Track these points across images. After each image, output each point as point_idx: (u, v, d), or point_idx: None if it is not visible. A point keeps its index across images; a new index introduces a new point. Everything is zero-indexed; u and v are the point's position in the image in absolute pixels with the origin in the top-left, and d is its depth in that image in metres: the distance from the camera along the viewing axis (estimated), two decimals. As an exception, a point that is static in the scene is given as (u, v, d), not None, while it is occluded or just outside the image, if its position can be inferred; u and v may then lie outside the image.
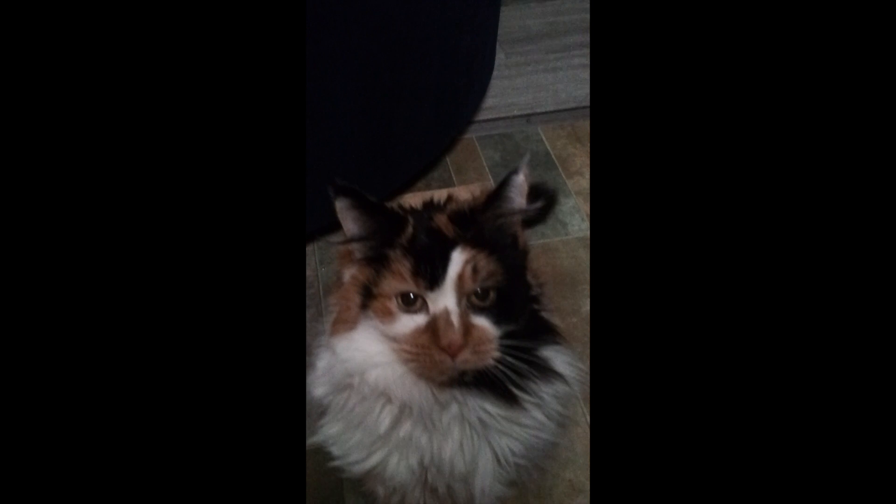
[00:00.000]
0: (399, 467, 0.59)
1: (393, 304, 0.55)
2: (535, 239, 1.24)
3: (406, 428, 0.57)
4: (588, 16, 1.73)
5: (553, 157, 1.41)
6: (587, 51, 1.66)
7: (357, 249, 0.60)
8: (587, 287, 1.15)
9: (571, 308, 1.12)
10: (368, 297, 0.57)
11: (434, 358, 0.52)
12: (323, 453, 0.64)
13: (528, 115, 1.50)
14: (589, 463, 0.91)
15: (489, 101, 1.52)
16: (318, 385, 0.60)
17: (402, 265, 0.55)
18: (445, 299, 0.54)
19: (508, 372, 0.54)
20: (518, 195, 0.58)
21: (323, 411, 0.62)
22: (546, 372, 0.58)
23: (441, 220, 0.59)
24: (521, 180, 0.57)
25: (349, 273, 0.61)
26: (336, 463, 0.62)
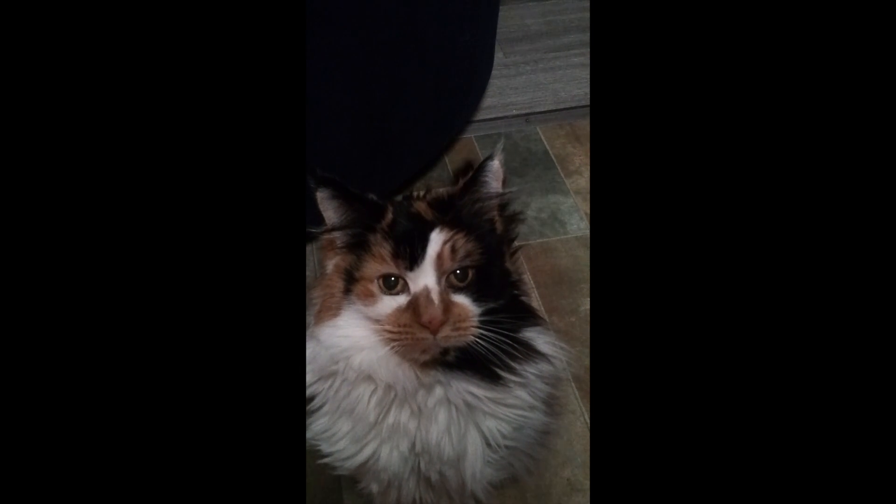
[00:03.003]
0: (391, 457, 0.60)
1: (375, 287, 0.57)
2: (533, 238, 1.24)
3: (394, 414, 0.58)
4: (587, 15, 1.73)
5: (552, 156, 1.41)
6: (586, 50, 1.66)
7: (339, 238, 0.61)
8: (586, 286, 1.15)
9: (570, 307, 1.12)
10: (351, 281, 0.59)
11: (416, 335, 0.54)
12: (315, 452, 0.64)
13: (527, 115, 1.50)
14: (588, 461, 0.90)
15: (488, 101, 1.53)
16: None
17: (383, 248, 0.56)
18: (425, 278, 0.55)
19: (490, 349, 0.55)
20: (494, 180, 0.60)
21: (310, 408, 0.63)
22: (529, 352, 0.59)
23: (420, 206, 0.61)
24: (496, 166, 0.59)
25: (332, 263, 0.62)
26: (327, 459, 0.63)
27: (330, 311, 0.60)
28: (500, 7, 1.43)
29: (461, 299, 0.56)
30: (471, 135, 1.46)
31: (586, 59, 1.63)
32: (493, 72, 1.54)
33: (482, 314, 0.56)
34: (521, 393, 0.59)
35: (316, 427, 0.62)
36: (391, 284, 0.56)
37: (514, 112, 1.51)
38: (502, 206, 0.62)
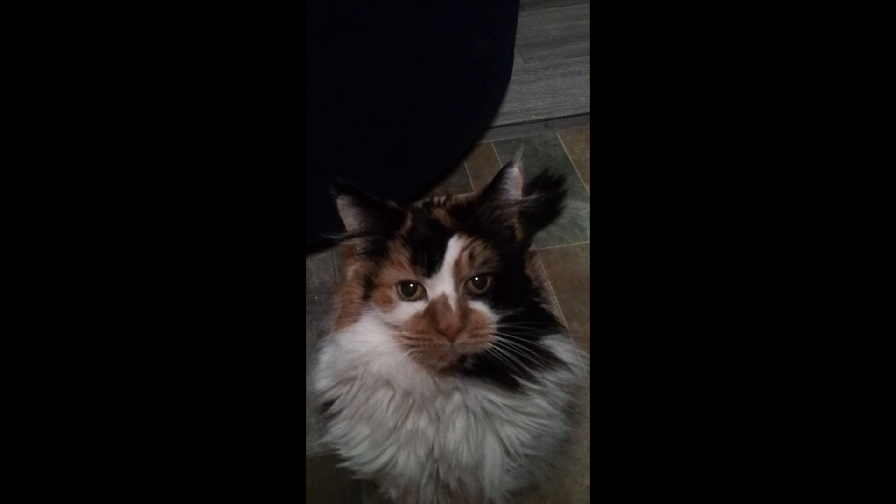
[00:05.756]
0: (409, 462, 0.60)
1: (393, 293, 0.57)
2: (553, 244, 1.23)
3: (412, 420, 0.58)
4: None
5: (571, 161, 1.40)
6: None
7: (358, 244, 0.62)
8: (606, 291, 1.14)
9: (590, 313, 1.11)
10: (370, 287, 0.59)
11: (433, 342, 0.54)
12: (335, 456, 0.65)
13: (546, 120, 1.50)
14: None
15: (507, 106, 1.53)
16: (321, 378, 0.62)
17: (401, 254, 0.57)
18: (443, 285, 0.55)
19: (508, 356, 0.55)
20: (513, 187, 0.59)
21: (329, 412, 0.63)
22: (548, 359, 0.58)
23: (440, 213, 0.61)
24: (515, 173, 0.59)
25: (352, 269, 0.63)
26: (346, 464, 0.63)
27: (349, 316, 0.61)
28: (520, 13, 1.43)
29: (479, 306, 0.56)
30: (490, 140, 1.46)
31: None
32: (513, 77, 1.54)
33: (500, 321, 0.56)
34: (541, 401, 0.59)
35: (335, 431, 0.63)
36: (409, 291, 0.56)
37: (534, 117, 1.50)
38: (522, 213, 0.62)
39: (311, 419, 0.91)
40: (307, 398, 0.62)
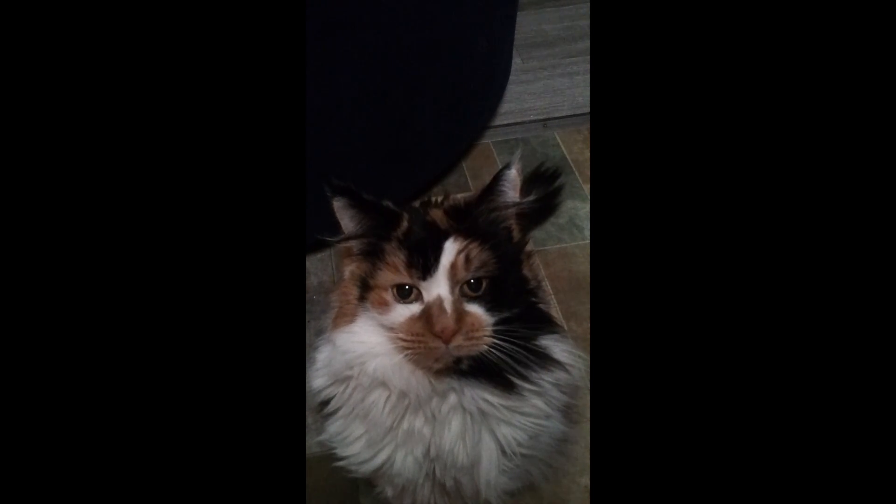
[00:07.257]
0: (406, 462, 0.60)
1: (389, 295, 0.57)
2: (551, 244, 1.23)
3: (408, 420, 0.58)
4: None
5: (570, 161, 1.40)
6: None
7: (355, 245, 0.62)
8: (604, 292, 1.14)
9: (588, 313, 1.11)
10: (366, 289, 0.59)
11: (428, 344, 0.54)
12: (333, 456, 0.65)
13: (545, 120, 1.50)
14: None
15: (505, 106, 1.53)
16: (317, 377, 0.62)
17: (397, 257, 0.57)
18: (439, 287, 0.55)
19: (504, 358, 0.55)
20: (511, 189, 0.59)
21: (326, 411, 0.63)
22: (545, 360, 0.58)
23: (436, 214, 0.61)
24: (513, 175, 0.59)
25: (348, 270, 0.63)
26: (342, 463, 0.63)
27: (346, 316, 0.61)
28: (518, 12, 1.42)
29: (475, 309, 0.56)
30: (488, 140, 1.46)
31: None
32: (511, 77, 1.54)
33: (496, 323, 0.56)
34: (537, 401, 0.59)
35: (331, 429, 0.63)
36: (405, 293, 0.56)
37: (532, 117, 1.50)
38: (520, 214, 0.62)
39: (308, 418, 0.91)
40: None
